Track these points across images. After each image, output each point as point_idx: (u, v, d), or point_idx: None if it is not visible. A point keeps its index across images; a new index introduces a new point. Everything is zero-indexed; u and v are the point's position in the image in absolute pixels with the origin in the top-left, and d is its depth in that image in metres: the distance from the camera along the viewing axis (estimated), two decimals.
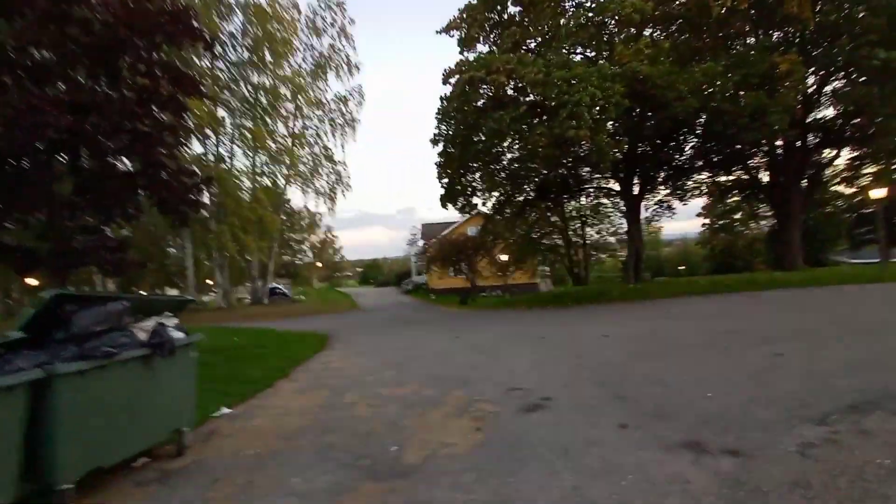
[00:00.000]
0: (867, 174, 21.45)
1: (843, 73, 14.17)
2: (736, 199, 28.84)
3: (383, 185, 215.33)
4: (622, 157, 14.65)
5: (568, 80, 9.87)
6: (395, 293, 44.59)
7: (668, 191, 20.63)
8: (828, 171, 21.58)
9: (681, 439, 2.92)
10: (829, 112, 17.20)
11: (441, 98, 13.16)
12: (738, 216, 35.74)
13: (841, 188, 25.88)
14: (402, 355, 7.16)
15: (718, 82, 10.94)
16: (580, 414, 3.59)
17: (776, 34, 14.31)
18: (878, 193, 13.26)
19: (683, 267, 56.34)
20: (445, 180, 15.35)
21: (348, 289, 52.84)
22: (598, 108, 9.66)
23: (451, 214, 21.76)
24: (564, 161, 13.95)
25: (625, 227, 25.65)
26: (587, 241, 29.64)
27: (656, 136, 12.97)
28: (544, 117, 10.78)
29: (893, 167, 20.97)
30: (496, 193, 18.12)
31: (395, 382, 5.21)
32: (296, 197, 62.68)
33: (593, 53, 12.94)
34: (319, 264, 54.16)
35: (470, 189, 15.95)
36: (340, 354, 7.78)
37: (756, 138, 11.82)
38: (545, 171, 15.46)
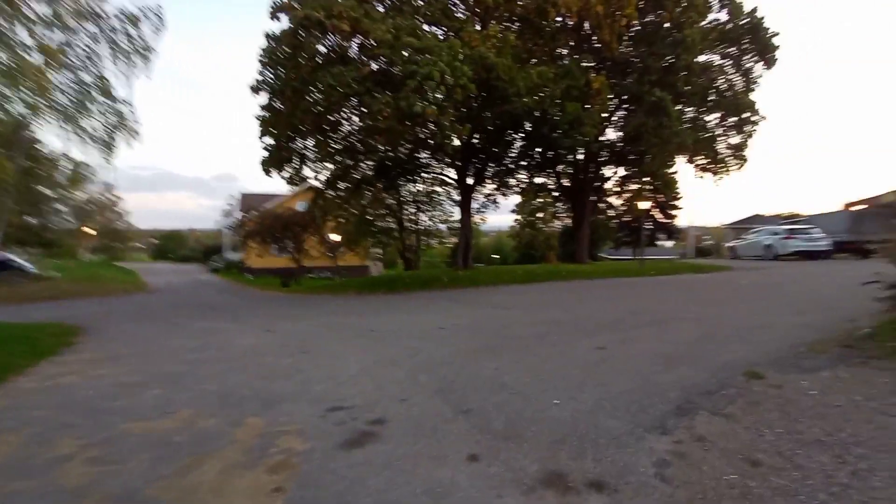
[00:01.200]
0: (630, 190, 27.31)
1: (629, 103, 17.30)
2: (541, 199, 33.51)
3: (196, 145, 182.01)
4: (461, 146, 14.82)
5: (418, 49, 9.10)
6: (201, 271, 37.81)
7: (494, 185, 22.27)
8: (608, 185, 26.65)
9: (540, 472, 2.38)
10: (616, 135, 21.00)
11: (267, 36, 10.79)
12: (542, 215, 42.11)
13: (612, 199, 32.42)
14: (183, 359, 5.30)
15: (548, 88, 11.77)
16: (421, 443, 2.79)
17: (591, 57, 16.47)
18: (644, 205, 16.67)
19: (497, 256, 63.92)
20: (269, 140, 12.95)
21: (136, 264, 42.54)
22: (445, 86, 9.16)
23: (279, 186, 19.01)
24: (408, 138, 13.29)
25: (455, 215, 26.90)
26: (420, 227, 30.15)
27: (494, 130, 13.44)
28: (388, 91, 9.78)
29: (649, 186, 27.51)
30: (331, 166, 16.40)
31: (158, 408, 3.56)
32: (50, 138, 46.74)
33: (443, 32, 12.50)
34: (90, 230, 41.89)
35: (299, 157, 13.89)
36: (85, 360, 5.38)
37: (571, 145, 13.31)
38: (387, 149, 14.56)
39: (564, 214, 31.40)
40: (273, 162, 13.74)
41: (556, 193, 24.66)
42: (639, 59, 15.67)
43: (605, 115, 16.96)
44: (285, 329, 7.58)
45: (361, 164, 16.79)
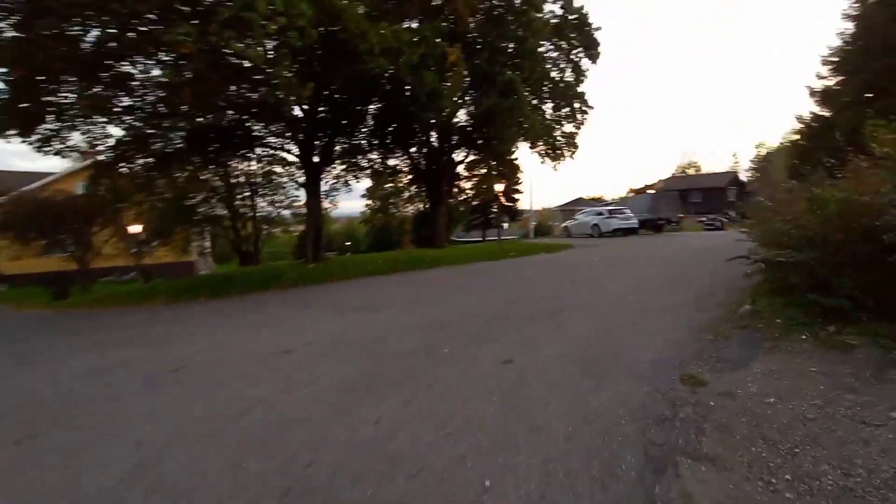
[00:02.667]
0: (478, 174, 28.18)
1: (481, 82, 17.14)
2: (392, 184, 32.50)
3: None
4: (304, 116, 12.41)
5: None
6: None
7: (344, 166, 20.10)
8: (460, 169, 26.90)
9: None
10: (466, 117, 20.94)
11: None
12: (396, 199, 41.19)
13: (462, 183, 33.21)
14: None
15: (404, 52, 10.36)
16: None
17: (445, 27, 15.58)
18: (498, 188, 16.85)
19: (349, 243, 61.22)
20: None
21: None
22: (277, 27, 6.92)
23: (52, 164, 13.41)
24: (232, 98, 10.32)
25: (302, 200, 23.79)
26: (258, 214, 25.90)
27: (344, 98, 11.47)
28: (194, 21, 6.98)
29: (496, 171, 28.81)
30: (118, 132, 12.08)
31: None
32: None
33: None
34: None
35: (55, 113, 9.56)
36: None
37: (431, 118, 12.26)
38: (200, 112, 11.22)
39: (418, 199, 30.88)
40: (10, 117, 9.21)
41: (411, 176, 23.72)
42: (489, 37, 15.41)
43: (460, 92, 16.47)
44: (21, 383, 4.66)
45: (167, 131, 12.82)
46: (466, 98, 19.05)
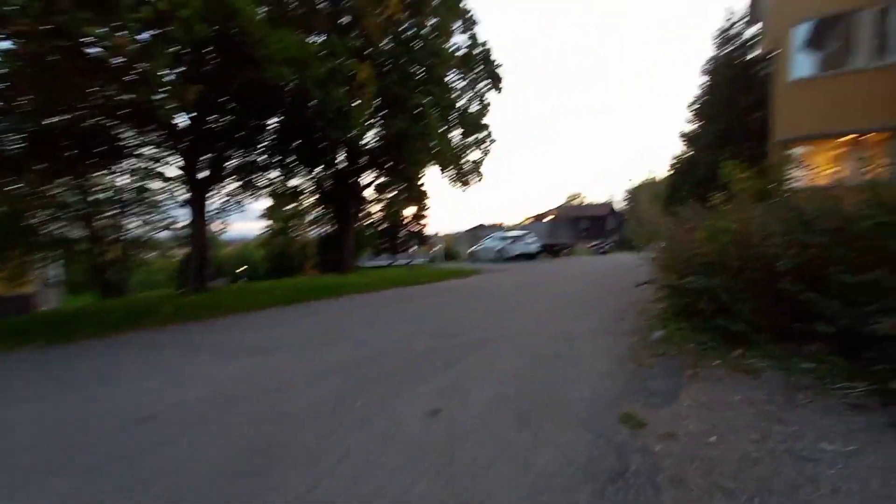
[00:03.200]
0: (387, 197, 27.72)
1: (392, 105, 16.89)
2: (295, 203, 30.57)
3: None
4: (190, 125, 10.83)
5: None
6: None
7: (239, 183, 18.16)
8: (367, 193, 26.15)
9: None
10: (375, 139, 20.50)
11: None
12: (298, 221, 38.62)
13: (370, 207, 32.36)
14: None
15: (311, 64, 9.64)
16: None
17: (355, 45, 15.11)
18: (409, 211, 16.52)
19: (244, 268, 55.89)
20: None
21: None
22: (154, 12, 5.80)
23: None
24: (93, 97, 8.49)
25: (184, 219, 20.95)
26: (127, 236, 22.14)
27: (240, 107, 10.24)
28: None
29: (405, 195, 28.60)
30: None
31: None
32: None
33: None
34: None
35: None
36: None
37: (338, 137, 11.53)
38: (51, 113, 9.13)
39: (325, 220, 29.26)
40: None
41: (317, 197, 22.34)
42: (399, 60, 15.33)
43: (369, 112, 16.01)
44: None
45: (1, 132, 10.20)
46: (376, 119, 18.69)
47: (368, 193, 26.91)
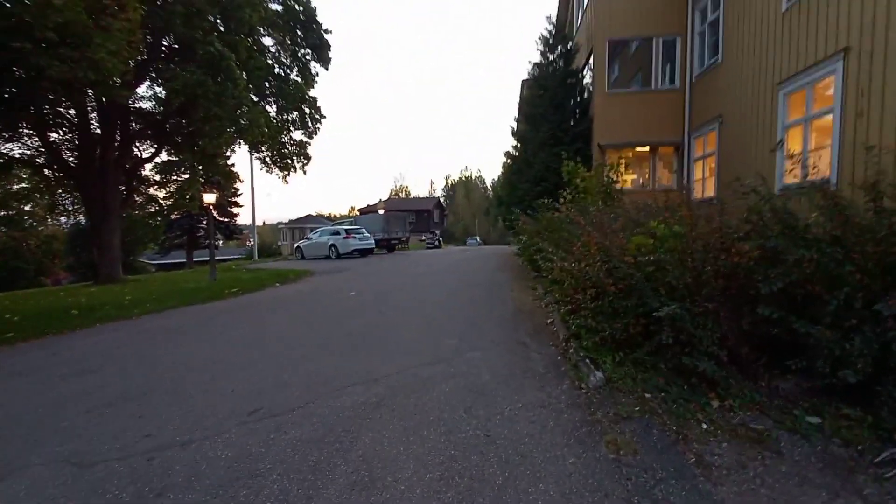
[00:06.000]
0: (178, 180, 21.55)
1: (177, 51, 12.30)
2: (25, 181, 21.13)
3: None
4: None
5: None
6: None
7: None
8: (148, 170, 19.63)
9: None
10: (147, 94, 15.11)
11: None
12: (35, 204, 26.90)
13: (153, 191, 24.85)
14: None
15: None
16: None
17: None
18: (209, 198, 12.45)
19: None
20: None
21: None
22: None
23: None
24: None
25: None
26: None
27: None
28: None
29: (202, 177, 22.62)
30: None
31: None
32: None
33: None
34: None
35: None
36: None
37: (68, 76, 7.14)
38: None
39: (75, 207, 20.93)
40: None
41: (55, 172, 15.28)
42: None
43: (140, 54, 11.26)
44: None
45: None
46: (154, 67, 13.56)
47: (150, 174, 20.56)
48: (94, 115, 14.44)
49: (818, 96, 7.28)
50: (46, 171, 15.19)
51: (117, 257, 14.59)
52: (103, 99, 12.17)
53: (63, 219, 27.67)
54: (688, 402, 2.98)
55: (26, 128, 13.07)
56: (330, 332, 5.77)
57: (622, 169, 11.42)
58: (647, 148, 12.89)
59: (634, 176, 13.60)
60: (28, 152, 14.39)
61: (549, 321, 5.46)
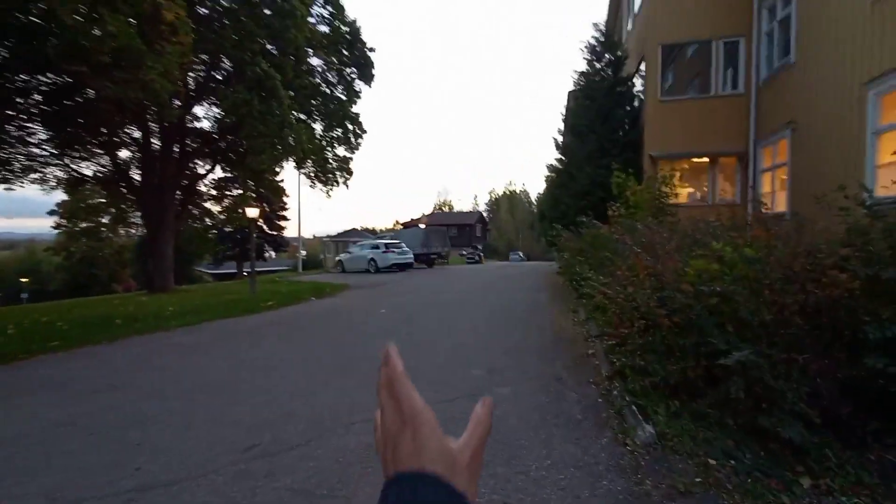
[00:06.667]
0: (231, 195, 22.68)
1: (227, 71, 12.90)
2: (99, 197, 23.07)
3: None
4: None
5: None
6: None
7: None
8: (203, 185, 20.80)
9: None
10: (208, 114, 15.99)
11: None
12: (105, 219, 29.45)
13: (210, 205, 26.25)
14: None
15: None
16: None
17: None
18: (252, 213, 12.80)
19: (27, 280, 42.04)
20: None
21: None
22: None
23: None
24: None
25: None
26: None
27: None
28: None
29: (253, 192, 23.72)
30: None
31: None
32: None
33: None
34: None
35: None
36: None
37: (124, 93, 7.53)
38: None
39: (138, 219, 22.57)
40: None
41: (122, 189, 16.47)
42: (234, 8, 11.52)
43: (191, 75, 11.88)
44: None
45: None
46: (207, 89, 14.33)
47: (206, 188, 21.81)
48: (158, 134, 15.47)
49: None
50: (116, 187, 16.37)
51: (170, 268, 15.35)
52: (164, 121, 12.89)
53: (132, 231, 30.07)
54: (767, 477, 2.32)
55: (97, 146, 14.14)
56: (352, 354, 5.46)
57: (676, 181, 10.51)
58: (705, 159, 11.83)
59: (691, 189, 12.52)
60: (102, 170, 15.58)
61: (590, 352, 4.84)
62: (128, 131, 14.85)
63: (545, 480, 2.49)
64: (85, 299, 17.42)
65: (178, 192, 16.50)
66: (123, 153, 15.84)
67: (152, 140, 15.30)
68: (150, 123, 14.45)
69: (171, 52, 8.13)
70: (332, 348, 5.83)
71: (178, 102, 11.37)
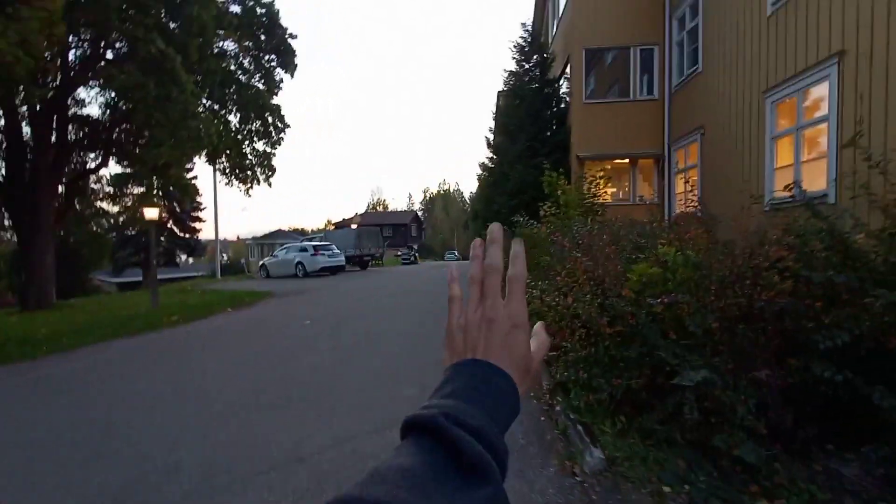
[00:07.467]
0: (131, 193, 19.98)
1: (118, 45, 11.10)
2: None
3: None
4: None
5: None
6: None
7: None
8: (96, 183, 18.06)
9: None
10: (97, 99, 13.81)
11: None
12: None
13: (105, 205, 22.92)
14: None
15: None
16: None
17: None
18: (151, 214, 11.19)
19: None
20: None
21: None
22: None
23: None
24: None
25: None
26: None
27: None
28: None
29: (158, 191, 21.09)
30: None
31: None
32: None
33: None
34: None
35: None
36: None
37: None
38: None
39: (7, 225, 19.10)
40: None
41: None
42: None
43: (74, 51, 10.06)
44: None
45: None
46: (93, 72, 12.28)
47: (99, 186, 18.93)
48: (27, 119, 13.02)
49: (810, 104, 6.80)
50: None
51: (49, 279, 13.02)
52: (28, 103, 10.83)
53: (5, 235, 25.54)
54: (724, 502, 2.14)
55: None
56: (265, 378, 4.73)
57: (602, 182, 10.85)
58: (626, 160, 12.40)
59: (614, 189, 13.09)
60: None
61: None
62: None
63: None
64: None
65: (58, 190, 14.08)
66: None
67: (23, 126, 12.88)
68: (18, 106, 12.13)
69: (32, 18, 6.68)
70: (240, 372, 5.03)
71: (52, 82, 9.55)
